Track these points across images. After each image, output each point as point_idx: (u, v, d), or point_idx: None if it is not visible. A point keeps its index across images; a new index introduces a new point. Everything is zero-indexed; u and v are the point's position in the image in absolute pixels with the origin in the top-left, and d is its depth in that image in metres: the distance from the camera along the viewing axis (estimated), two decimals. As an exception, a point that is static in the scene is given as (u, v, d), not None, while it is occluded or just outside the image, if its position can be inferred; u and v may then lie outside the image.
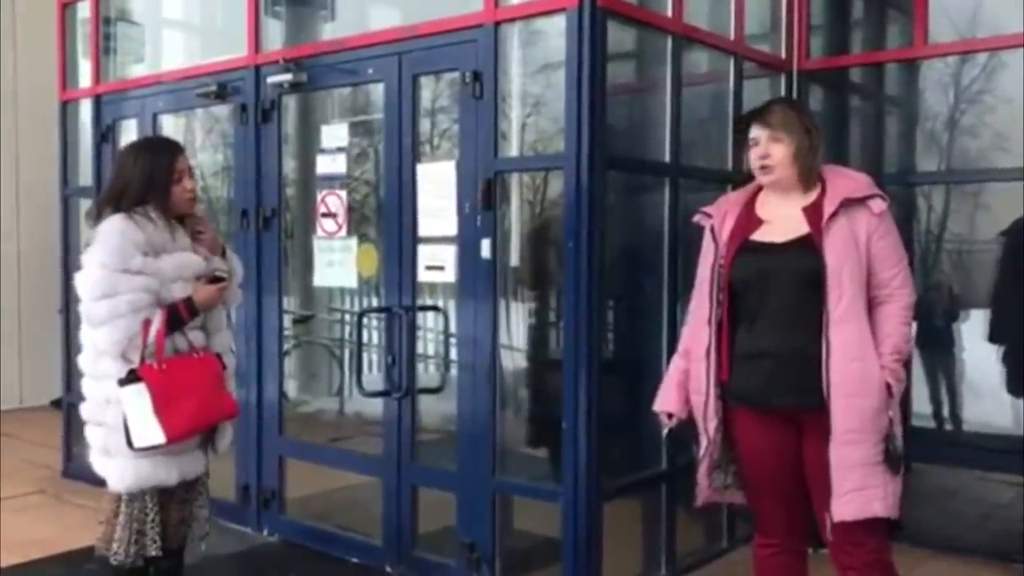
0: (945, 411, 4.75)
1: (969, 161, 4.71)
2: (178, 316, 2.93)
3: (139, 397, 2.81)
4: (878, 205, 2.75)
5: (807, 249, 2.73)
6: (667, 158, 3.92)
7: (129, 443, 2.84)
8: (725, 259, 2.84)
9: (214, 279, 3.05)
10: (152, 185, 2.96)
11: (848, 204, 2.73)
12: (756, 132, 2.86)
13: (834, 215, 2.72)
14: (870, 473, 2.67)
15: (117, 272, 2.83)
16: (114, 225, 2.88)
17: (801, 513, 2.87)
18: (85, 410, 3.03)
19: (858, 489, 2.67)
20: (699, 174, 4.19)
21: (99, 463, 3.00)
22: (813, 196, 2.81)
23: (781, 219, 2.82)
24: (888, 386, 2.68)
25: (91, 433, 3.03)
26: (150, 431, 2.82)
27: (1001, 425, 4.56)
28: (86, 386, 3.02)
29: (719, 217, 2.94)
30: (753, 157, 2.86)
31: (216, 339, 3.13)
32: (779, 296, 2.75)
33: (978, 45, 4.40)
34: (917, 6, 4.36)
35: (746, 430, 2.87)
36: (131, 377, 2.83)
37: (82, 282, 2.88)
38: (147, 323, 2.83)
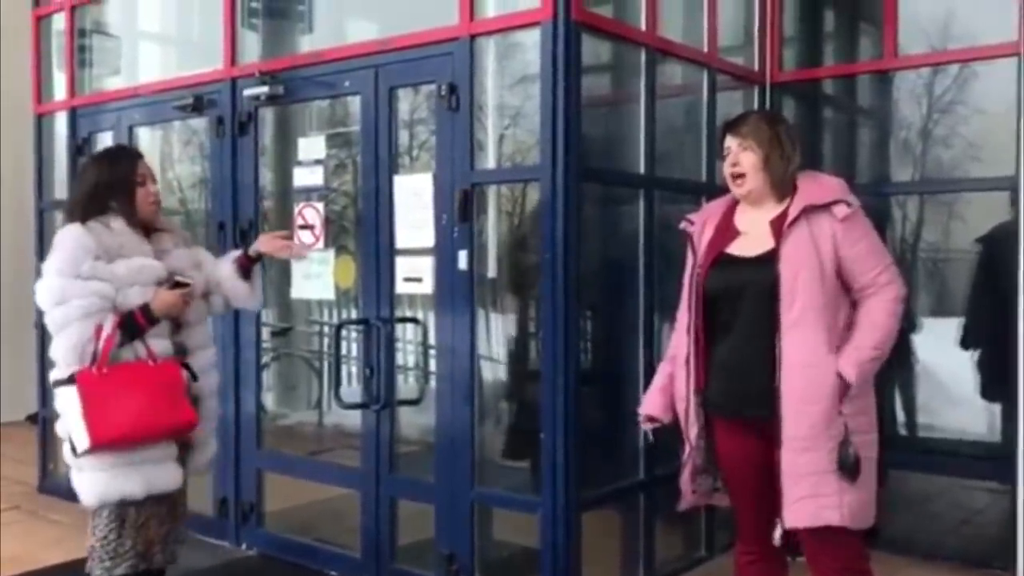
0: (921, 418, 4.79)
1: (942, 171, 4.76)
2: (135, 323, 2.85)
3: (70, 400, 2.76)
4: (841, 211, 2.71)
5: (770, 262, 2.73)
6: (642, 169, 3.95)
7: (73, 450, 2.80)
8: (701, 269, 2.87)
9: (176, 284, 2.96)
10: (113, 190, 2.94)
11: (810, 211, 2.72)
12: (728, 142, 2.89)
13: (795, 222, 2.71)
14: (822, 481, 2.65)
15: (69, 278, 2.80)
16: (67, 233, 2.87)
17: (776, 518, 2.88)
18: (60, 427, 2.95)
19: (809, 496, 2.66)
20: (674, 185, 4.22)
21: (74, 479, 2.94)
22: (783, 207, 2.81)
23: (754, 232, 2.84)
24: (844, 387, 2.64)
25: (65, 449, 2.95)
26: (80, 436, 2.76)
27: (976, 432, 4.59)
28: (57, 402, 2.94)
29: (699, 226, 2.96)
30: (725, 166, 2.89)
31: (197, 357, 3.06)
32: (745, 310, 2.77)
33: (949, 56, 4.45)
34: (887, 18, 4.42)
35: (722, 438, 2.89)
36: (66, 380, 2.78)
37: (38, 291, 2.86)
38: (99, 329, 2.78)
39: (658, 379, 3.07)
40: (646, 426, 3.05)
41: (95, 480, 2.85)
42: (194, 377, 3.02)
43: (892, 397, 4.71)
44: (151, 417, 2.83)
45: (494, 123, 3.88)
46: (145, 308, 2.88)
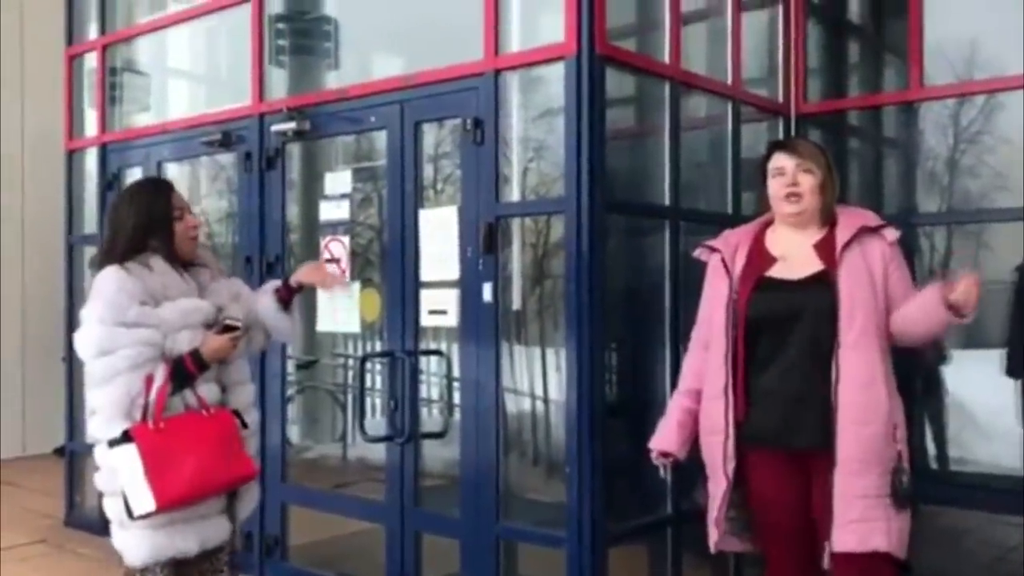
0: (953, 452, 4.71)
1: (970, 201, 4.72)
2: (184, 371, 2.69)
3: (129, 460, 2.57)
4: (891, 233, 2.78)
5: (823, 285, 2.73)
6: (667, 201, 3.94)
7: (129, 513, 2.61)
8: (740, 295, 2.83)
9: (226, 328, 2.79)
10: (151, 226, 2.77)
11: (862, 233, 2.76)
12: (783, 162, 2.86)
13: (848, 245, 2.74)
14: (873, 505, 2.64)
15: (114, 326, 2.62)
16: (107, 277, 2.69)
17: (810, 561, 2.81)
18: (99, 480, 2.78)
19: (860, 520, 2.63)
20: (699, 217, 4.21)
21: (115, 537, 2.76)
22: (824, 232, 2.83)
23: (795, 256, 2.83)
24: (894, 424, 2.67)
25: (107, 504, 2.78)
26: (142, 497, 2.57)
27: (1011, 466, 4.51)
28: (97, 454, 2.77)
29: (729, 251, 2.92)
30: (778, 186, 2.86)
31: (236, 394, 2.90)
32: (797, 334, 2.74)
33: (974, 87, 4.43)
34: (912, 49, 4.40)
35: (759, 472, 2.83)
36: (121, 438, 2.59)
37: (79, 341, 2.68)
38: (150, 379, 2.62)
39: (674, 413, 2.99)
40: (659, 462, 3.00)
41: (145, 539, 2.67)
42: (244, 424, 2.86)
43: (923, 430, 4.64)
44: (212, 472, 2.69)
45: (519, 156, 3.90)
46: (195, 354, 2.72)
